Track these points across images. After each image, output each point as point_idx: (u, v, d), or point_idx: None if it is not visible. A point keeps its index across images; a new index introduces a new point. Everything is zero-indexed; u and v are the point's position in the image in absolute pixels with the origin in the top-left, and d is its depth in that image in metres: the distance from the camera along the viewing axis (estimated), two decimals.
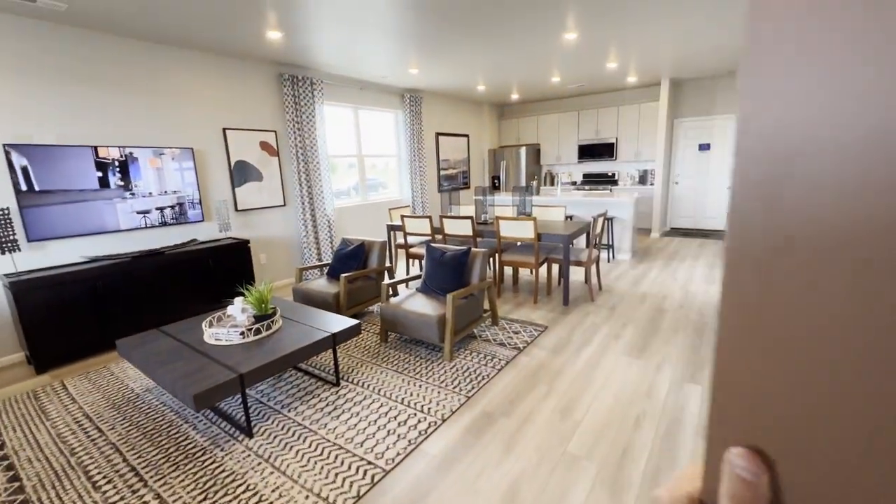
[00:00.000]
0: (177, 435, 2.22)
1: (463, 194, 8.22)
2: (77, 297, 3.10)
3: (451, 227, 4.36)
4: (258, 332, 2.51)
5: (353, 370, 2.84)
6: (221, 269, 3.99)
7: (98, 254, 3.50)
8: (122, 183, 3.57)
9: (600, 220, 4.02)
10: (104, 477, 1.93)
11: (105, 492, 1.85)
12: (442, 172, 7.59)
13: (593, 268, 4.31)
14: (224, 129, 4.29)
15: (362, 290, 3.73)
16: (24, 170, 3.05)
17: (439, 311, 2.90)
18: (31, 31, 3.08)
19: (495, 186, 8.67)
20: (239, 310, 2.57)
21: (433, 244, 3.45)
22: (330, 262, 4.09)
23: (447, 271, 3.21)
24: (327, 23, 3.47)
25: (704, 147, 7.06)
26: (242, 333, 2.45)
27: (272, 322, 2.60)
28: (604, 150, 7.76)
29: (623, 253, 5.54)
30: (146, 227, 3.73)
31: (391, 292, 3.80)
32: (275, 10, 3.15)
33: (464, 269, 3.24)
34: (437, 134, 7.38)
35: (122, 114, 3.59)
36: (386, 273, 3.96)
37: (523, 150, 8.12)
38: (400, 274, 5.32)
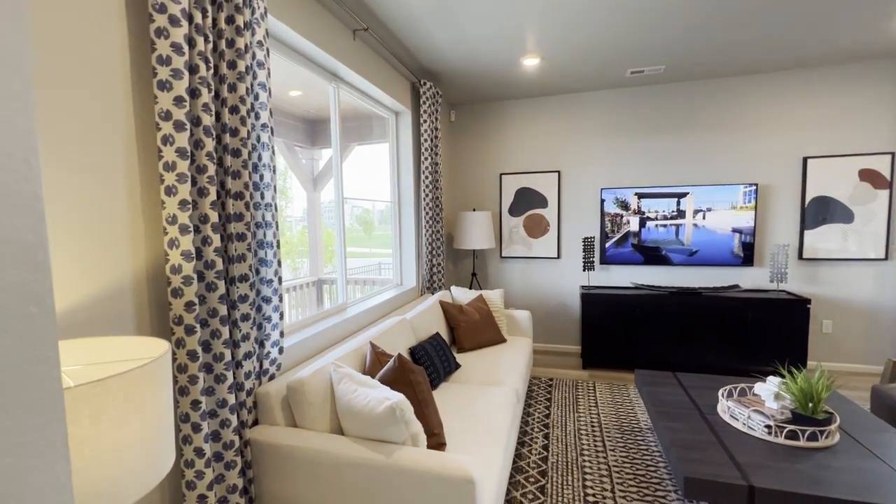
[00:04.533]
0: (662, 498, 2.00)
1: None
2: (618, 316, 3.58)
3: None
4: (793, 436, 1.79)
5: None
6: (761, 328, 3.29)
7: (643, 282, 3.88)
8: (692, 221, 3.70)
9: None
10: (592, 491, 2.05)
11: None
12: None
13: None
14: (804, 159, 3.46)
15: None
16: (616, 205, 3.86)
17: None
18: (616, 97, 3.80)
19: None
20: (771, 393, 1.94)
21: None
22: None
23: None
24: None
25: None
26: (769, 428, 1.83)
27: (820, 433, 1.76)
28: None
29: None
30: (689, 265, 3.71)
31: None
32: None
33: None
34: None
35: (685, 152, 3.72)
36: None
37: None
38: None
